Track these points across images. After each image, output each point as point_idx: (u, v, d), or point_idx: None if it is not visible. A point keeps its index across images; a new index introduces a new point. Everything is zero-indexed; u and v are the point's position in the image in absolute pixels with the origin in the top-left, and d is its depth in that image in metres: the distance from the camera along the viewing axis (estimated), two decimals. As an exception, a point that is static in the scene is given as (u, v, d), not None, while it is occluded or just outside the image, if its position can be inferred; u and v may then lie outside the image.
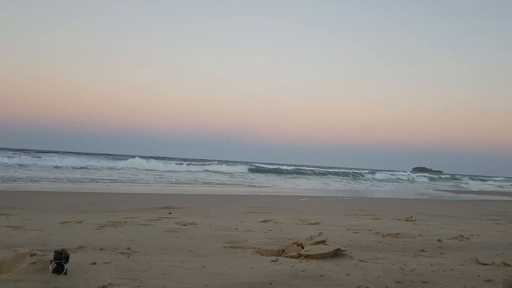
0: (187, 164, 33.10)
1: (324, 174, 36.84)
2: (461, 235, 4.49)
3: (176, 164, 32.64)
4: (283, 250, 3.49)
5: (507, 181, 46.13)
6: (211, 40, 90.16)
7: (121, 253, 3.08)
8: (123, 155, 45.98)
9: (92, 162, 27.45)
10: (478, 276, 2.79)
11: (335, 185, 23.92)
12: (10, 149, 40.86)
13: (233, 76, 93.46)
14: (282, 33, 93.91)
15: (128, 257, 2.97)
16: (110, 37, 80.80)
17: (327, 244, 3.38)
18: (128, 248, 3.27)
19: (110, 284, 2.26)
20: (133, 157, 31.83)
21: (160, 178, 20.11)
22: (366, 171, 44.17)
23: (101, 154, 45.41)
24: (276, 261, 3.01)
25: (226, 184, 18.92)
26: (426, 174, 49.33)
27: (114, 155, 46.44)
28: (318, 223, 5.50)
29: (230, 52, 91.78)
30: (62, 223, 4.69)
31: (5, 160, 24.24)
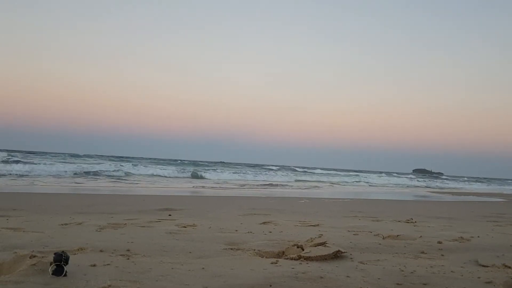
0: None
1: (323, 175, 36.81)
2: (461, 237, 4.49)
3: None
4: (283, 252, 3.49)
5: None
6: (213, 41, 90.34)
7: (121, 255, 3.08)
8: (130, 157, 45.76)
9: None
10: (479, 278, 2.79)
11: (335, 187, 23.90)
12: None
13: (232, 76, 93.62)
14: (277, 34, 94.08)
15: (128, 259, 2.97)
16: (119, 38, 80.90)
17: (327, 246, 3.38)
18: (128, 250, 3.27)
19: (110, 286, 2.26)
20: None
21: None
22: (367, 173, 44.15)
23: (111, 156, 45.15)
24: (276, 263, 3.01)
25: (226, 185, 18.91)
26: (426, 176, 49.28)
27: (125, 157, 46.06)
28: (318, 224, 5.50)
29: (228, 53, 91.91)
30: (62, 224, 4.69)
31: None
